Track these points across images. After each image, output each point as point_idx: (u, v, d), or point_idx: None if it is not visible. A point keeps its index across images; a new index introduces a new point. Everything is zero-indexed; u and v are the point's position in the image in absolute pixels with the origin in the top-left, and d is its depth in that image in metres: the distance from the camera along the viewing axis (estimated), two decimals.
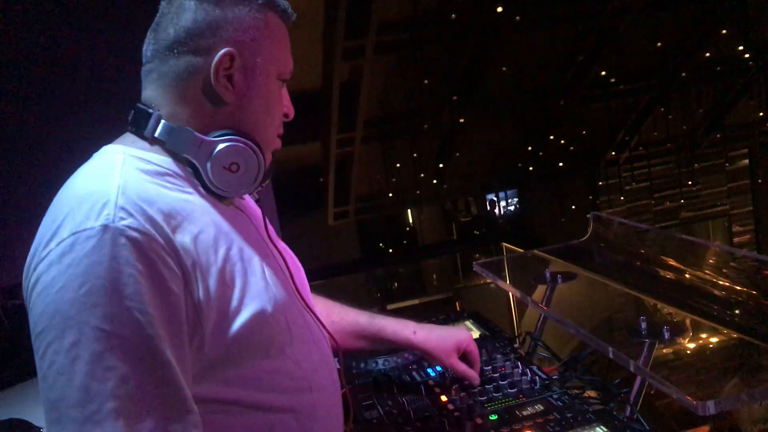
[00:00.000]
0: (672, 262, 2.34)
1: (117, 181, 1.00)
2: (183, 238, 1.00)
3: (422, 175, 7.59)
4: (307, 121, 6.84)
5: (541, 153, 7.90)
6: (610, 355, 1.68)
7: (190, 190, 1.12)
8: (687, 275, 2.16)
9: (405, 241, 9.33)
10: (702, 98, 8.22)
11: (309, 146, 7.05)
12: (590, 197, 9.22)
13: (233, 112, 1.17)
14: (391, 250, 8.86)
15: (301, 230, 7.15)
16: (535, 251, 2.64)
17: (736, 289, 2.02)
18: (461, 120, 7.03)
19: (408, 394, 1.90)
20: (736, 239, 10.82)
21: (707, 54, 7.32)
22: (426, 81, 6.28)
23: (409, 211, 10.27)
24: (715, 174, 10.55)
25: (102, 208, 0.93)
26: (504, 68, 6.53)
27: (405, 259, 8.75)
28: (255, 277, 1.12)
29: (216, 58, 1.12)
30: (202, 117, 1.16)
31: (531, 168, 8.04)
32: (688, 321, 1.94)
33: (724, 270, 2.12)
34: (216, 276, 1.02)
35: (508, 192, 11.53)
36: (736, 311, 1.84)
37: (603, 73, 6.98)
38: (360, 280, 8.44)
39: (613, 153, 8.60)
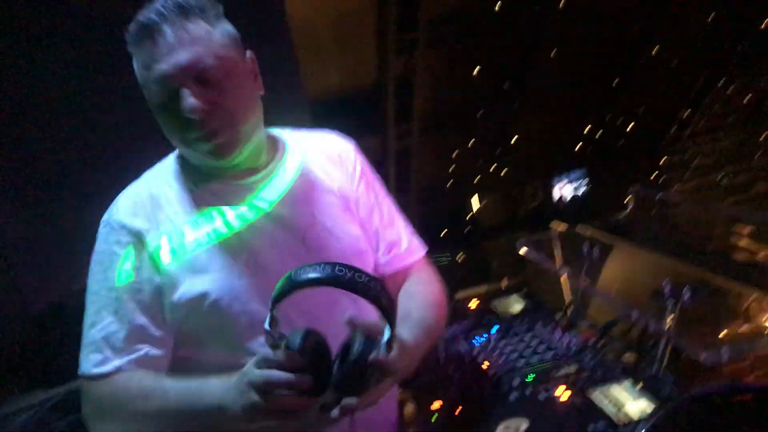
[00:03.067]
0: (710, 231, 2.41)
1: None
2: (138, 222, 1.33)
3: (480, 162, 7.65)
4: (366, 117, 7.03)
5: (599, 133, 7.84)
6: (633, 317, 1.80)
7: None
8: (719, 242, 2.24)
9: (468, 229, 9.35)
10: (763, 69, 7.99)
11: (369, 141, 7.22)
12: (654, 175, 9.07)
13: None
14: (454, 238, 8.93)
15: None
16: (579, 227, 2.75)
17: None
18: (515, 106, 7.06)
19: (455, 363, 2.07)
20: None
21: (762, 26, 7.11)
22: (478, 68, 6.36)
23: (472, 200, 10.31)
24: None
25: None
26: (554, 53, 6.52)
27: (468, 246, 8.81)
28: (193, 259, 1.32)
29: None
30: None
31: (591, 149, 7.99)
32: (720, 285, 2.01)
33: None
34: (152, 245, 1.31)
35: (574, 174, 11.42)
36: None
37: (656, 48, 6.88)
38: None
39: (675, 130, 8.44)
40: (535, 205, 11.17)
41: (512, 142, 7.88)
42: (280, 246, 1.36)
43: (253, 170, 1.40)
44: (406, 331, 1.25)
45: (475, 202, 10.07)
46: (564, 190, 11.26)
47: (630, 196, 2.71)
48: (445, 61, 6.73)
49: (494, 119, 7.55)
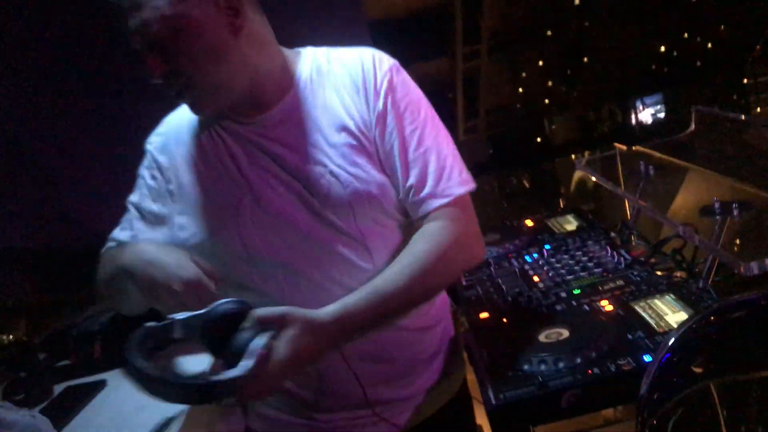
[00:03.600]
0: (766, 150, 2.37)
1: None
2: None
3: (550, 83, 7.52)
4: (433, 38, 6.94)
5: (675, 53, 7.53)
6: (680, 232, 1.82)
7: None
8: None
9: (539, 151, 9.24)
10: None
11: (436, 62, 7.16)
12: (736, 97, 8.70)
13: None
14: (525, 160, 8.84)
15: None
16: (638, 147, 2.74)
17: None
18: (586, 23, 6.85)
19: (505, 277, 2.15)
20: None
21: None
22: None
23: (545, 123, 10.14)
24: None
25: None
26: None
27: (537, 167, 8.75)
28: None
29: None
30: None
31: (666, 69, 7.71)
32: None
33: None
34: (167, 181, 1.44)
35: (653, 98, 11.04)
36: None
37: None
38: (491, 189, 8.62)
39: (760, 48, 8.02)
40: (609, 127, 10.91)
41: (584, 61, 7.67)
42: (284, 189, 1.35)
43: (263, 104, 1.37)
44: (339, 307, 1.22)
45: (547, 125, 9.92)
46: (641, 113, 10.94)
47: (692, 116, 2.67)
48: None
49: (564, 38, 7.35)
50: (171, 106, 1.50)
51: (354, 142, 1.37)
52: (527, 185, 9.03)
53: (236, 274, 1.38)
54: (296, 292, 1.35)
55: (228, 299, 1.16)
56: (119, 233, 1.46)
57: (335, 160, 1.35)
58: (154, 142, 1.48)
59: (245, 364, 1.09)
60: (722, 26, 7.51)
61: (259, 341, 1.12)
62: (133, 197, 1.48)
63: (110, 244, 1.47)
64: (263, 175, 1.36)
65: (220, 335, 1.13)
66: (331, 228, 1.35)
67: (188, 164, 1.41)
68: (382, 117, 1.38)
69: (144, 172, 1.48)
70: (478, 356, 1.67)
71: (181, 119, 1.46)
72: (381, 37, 3.85)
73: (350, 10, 2.98)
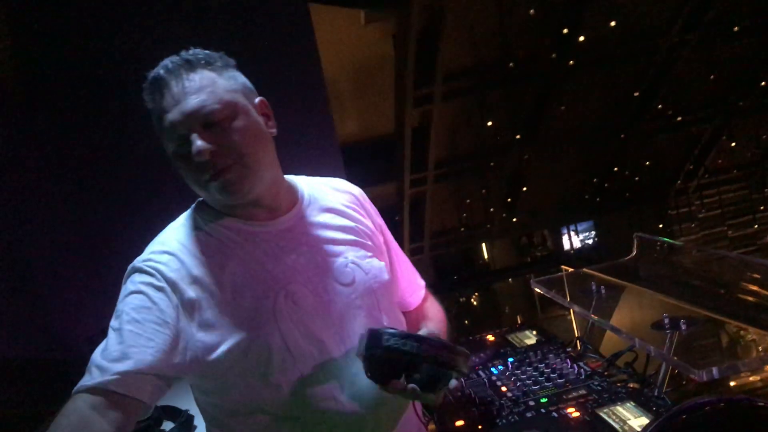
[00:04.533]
0: (705, 274, 2.65)
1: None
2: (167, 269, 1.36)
3: (492, 209, 7.96)
4: (382, 164, 7.33)
5: (606, 185, 8.14)
6: (636, 345, 2.03)
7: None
8: (712, 284, 2.48)
9: (480, 273, 9.61)
10: (765, 124, 8.32)
11: (385, 187, 7.51)
12: (661, 226, 9.34)
13: None
14: (464, 279, 9.16)
15: None
16: (586, 269, 2.99)
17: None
18: (525, 156, 7.39)
19: (475, 387, 2.29)
20: None
21: (762, 83, 7.46)
22: (490, 122, 6.70)
23: (483, 246, 10.56)
24: None
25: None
26: (563, 107, 6.87)
27: (480, 288, 9.05)
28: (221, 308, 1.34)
29: None
30: None
31: (598, 200, 8.29)
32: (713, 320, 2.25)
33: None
34: (186, 295, 1.33)
35: (584, 225, 11.68)
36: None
37: (660, 106, 7.22)
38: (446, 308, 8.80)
39: (680, 182, 8.75)
40: (546, 252, 11.37)
41: (523, 190, 8.21)
42: (314, 282, 1.41)
43: (275, 211, 1.44)
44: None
45: (486, 250, 10.33)
46: (573, 239, 11.48)
47: (635, 242, 2.95)
48: (459, 113, 7.09)
49: (505, 168, 7.89)
50: (158, 219, 1.51)
51: (362, 241, 1.53)
52: (475, 304, 9.32)
53: (269, 378, 1.36)
54: (325, 381, 1.40)
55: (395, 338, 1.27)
56: (117, 365, 1.22)
57: (352, 253, 1.48)
58: (152, 258, 1.37)
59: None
60: (647, 162, 8.21)
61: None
62: (127, 317, 1.29)
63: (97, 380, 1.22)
64: (289, 271, 1.39)
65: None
66: (359, 314, 1.45)
67: (208, 272, 1.37)
68: (380, 229, 1.63)
69: (143, 288, 1.32)
70: None
71: (177, 233, 1.43)
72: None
73: (326, 138, 3.22)
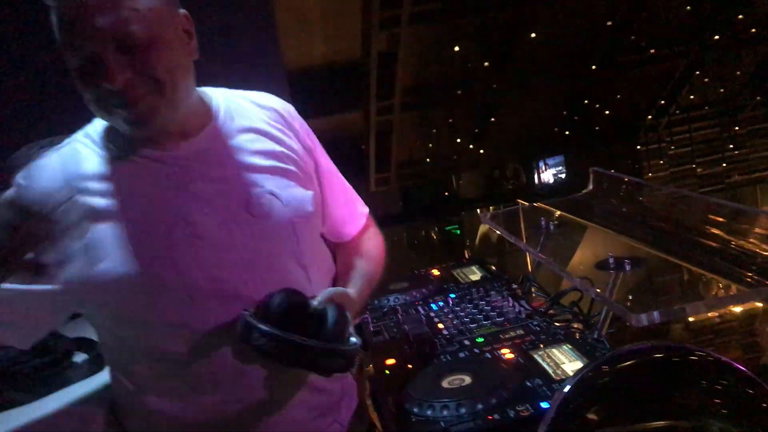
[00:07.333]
0: (663, 213, 2.55)
1: None
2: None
3: (459, 141, 7.81)
4: (347, 91, 7.10)
5: (576, 118, 8.01)
6: (578, 285, 1.92)
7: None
8: (669, 223, 2.37)
9: (446, 205, 9.55)
10: (740, 61, 8.19)
11: (350, 115, 7.31)
12: (630, 162, 9.29)
13: None
14: (430, 210, 9.14)
15: None
16: (540, 203, 2.88)
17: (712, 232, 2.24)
18: (494, 86, 7.21)
19: (411, 323, 2.19)
20: None
21: (740, 16, 7.29)
22: (458, 48, 6.48)
23: (453, 179, 10.48)
24: (764, 137, 10.42)
25: None
26: (535, 35, 6.66)
27: (445, 221, 9.03)
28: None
29: None
30: None
31: (567, 133, 8.18)
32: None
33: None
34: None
35: (555, 159, 11.63)
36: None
37: (633, 38, 7.05)
38: (400, 239, 8.82)
39: (651, 118, 8.64)
40: (513, 185, 11.35)
41: (492, 121, 8.04)
42: (221, 214, 1.30)
43: (186, 135, 1.32)
44: (354, 289, 1.46)
45: (456, 182, 10.25)
46: (543, 173, 11.44)
47: (591, 177, 2.84)
48: (428, 39, 6.84)
49: (473, 98, 7.70)
50: None
51: (284, 166, 1.40)
52: (435, 237, 9.28)
53: (166, 317, 1.26)
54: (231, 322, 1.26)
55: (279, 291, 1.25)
56: None
57: (271, 182, 1.36)
58: (32, 177, 1.24)
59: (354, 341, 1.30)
60: (618, 95, 8.08)
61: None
62: None
63: None
64: (192, 200, 1.28)
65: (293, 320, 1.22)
66: (273, 251, 1.34)
67: (99, 195, 1.25)
68: (311, 153, 1.52)
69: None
70: (383, 402, 1.68)
71: (71, 154, 1.30)
72: (298, 87, 3.91)
73: (269, 59, 3.01)
